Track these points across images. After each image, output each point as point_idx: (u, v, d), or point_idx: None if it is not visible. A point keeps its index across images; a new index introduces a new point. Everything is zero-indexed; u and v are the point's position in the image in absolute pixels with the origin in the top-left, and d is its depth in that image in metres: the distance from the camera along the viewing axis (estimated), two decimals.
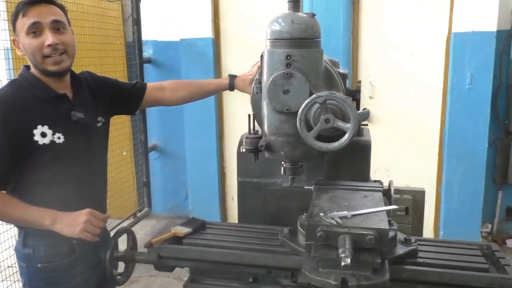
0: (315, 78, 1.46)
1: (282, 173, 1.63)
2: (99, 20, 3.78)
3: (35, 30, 1.53)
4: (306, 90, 1.43)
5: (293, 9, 1.49)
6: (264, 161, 2.03)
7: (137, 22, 4.18)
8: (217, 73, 4.03)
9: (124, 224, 4.14)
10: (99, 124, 1.75)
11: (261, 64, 1.54)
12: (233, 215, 4.34)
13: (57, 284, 1.66)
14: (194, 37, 3.93)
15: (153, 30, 4.42)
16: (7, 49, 3.02)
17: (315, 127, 1.37)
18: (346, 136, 1.34)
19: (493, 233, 3.95)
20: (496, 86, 3.62)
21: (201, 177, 4.23)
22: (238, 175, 2.08)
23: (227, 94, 4.11)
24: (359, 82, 1.77)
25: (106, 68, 3.76)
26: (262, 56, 1.54)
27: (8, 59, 3.15)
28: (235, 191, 4.32)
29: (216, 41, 3.97)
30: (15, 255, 1.73)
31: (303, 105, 1.35)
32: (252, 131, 1.63)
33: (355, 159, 1.85)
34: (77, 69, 1.79)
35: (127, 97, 1.90)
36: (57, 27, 1.56)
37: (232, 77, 2.01)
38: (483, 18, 3.38)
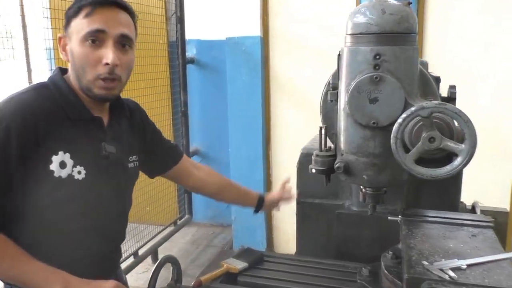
0: (410, 84, 1.15)
1: (361, 200, 1.32)
2: (142, 18, 3.58)
3: (96, 39, 1.19)
4: (400, 99, 1.12)
5: None
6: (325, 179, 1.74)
7: (180, 20, 3.96)
8: (265, 73, 3.74)
9: (166, 232, 3.94)
10: (130, 165, 1.39)
11: (338, 66, 1.25)
12: (279, 227, 4.04)
13: None
14: (241, 35, 3.66)
15: (196, 29, 4.20)
16: (50, 49, 2.86)
17: (415, 147, 1.06)
18: (459, 160, 1.02)
19: None
20: None
21: (245, 185, 3.93)
22: (298, 194, 1.79)
23: (275, 97, 3.82)
24: (453, 87, 1.42)
25: (148, 69, 3.56)
26: (339, 56, 1.24)
27: (51, 59, 2.97)
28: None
29: (264, 40, 3.68)
30: None
31: (401, 119, 1.04)
32: (323, 148, 1.33)
33: (443, 181, 1.52)
34: None
35: (160, 155, 1.55)
36: (123, 43, 1.23)
37: (261, 197, 1.81)
38: None
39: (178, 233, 4.18)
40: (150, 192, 3.77)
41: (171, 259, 1.39)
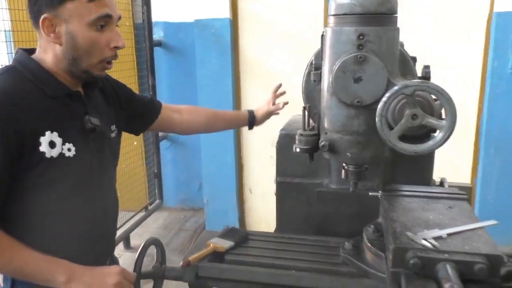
0: (392, 64, 1.19)
1: (343, 177, 1.37)
2: None
3: (105, 24, 1.19)
4: (383, 78, 1.16)
5: None
6: (307, 157, 1.78)
7: (147, 2, 3.87)
8: (235, 56, 3.73)
9: (137, 218, 3.91)
10: (112, 135, 1.38)
11: (322, 46, 1.27)
12: (251, 208, 4.09)
13: None
14: (210, 17, 3.62)
15: (163, 11, 4.11)
16: (8, 31, 2.74)
17: (398, 124, 1.10)
18: (440, 136, 1.07)
19: None
20: None
21: (216, 168, 3.96)
22: (277, 174, 1.82)
23: (245, 79, 3.83)
24: (428, 67, 1.48)
25: None
26: (323, 36, 1.26)
27: (10, 42, 2.85)
28: (253, 183, 4.09)
29: (233, 22, 3.66)
30: None
31: (385, 97, 1.08)
32: (306, 127, 1.36)
33: (417, 159, 1.59)
34: None
35: (140, 111, 1.56)
36: (116, 25, 1.24)
37: (252, 113, 1.86)
38: None
39: (150, 218, 4.16)
40: (120, 178, 3.70)
41: (155, 242, 1.40)
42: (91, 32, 1.17)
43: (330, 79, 1.20)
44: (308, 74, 1.40)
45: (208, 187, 4.08)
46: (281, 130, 1.80)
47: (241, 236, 1.44)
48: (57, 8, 1.14)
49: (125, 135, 3.75)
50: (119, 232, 3.54)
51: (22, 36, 2.60)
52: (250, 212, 4.12)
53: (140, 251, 1.32)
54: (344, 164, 1.35)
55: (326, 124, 1.28)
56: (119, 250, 3.53)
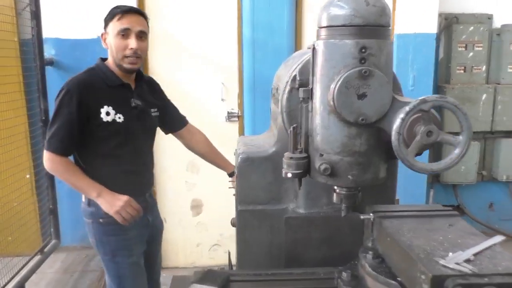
0: (390, 78, 1.13)
1: (335, 201, 1.26)
2: None
3: (124, 34, 1.89)
4: (388, 94, 1.09)
5: None
6: (271, 182, 1.65)
7: (36, 16, 3.40)
8: None
9: (32, 263, 3.34)
10: (153, 114, 2.09)
11: (313, 60, 1.16)
12: (167, 239, 3.78)
13: (115, 235, 1.98)
14: None
15: (54, 26, 3.66)
16: None
17: (413, 142, 1.03)
18: (457, 152, 1.03)
19: None
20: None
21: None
22: (238, 202, 1.65)
23: None
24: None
25: None
26: (314, 49, 1.15)
27: None
28: (168, 212, 3.77)
29: None
30: (82, 213, 2.03)
31: (403, 114, 1.00)
32: (293, 149, 1.23)
33: None
34: None
35: (170, 117, 2.25)
36: (140, 35, 1.92)
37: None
38: (424, 20, 3.38)
39: (46, 262, 3.59)
40: (11, 220, 3.17)
41: None
42: (117, 39, 1.90)
43: (330, 96, 1.10)
44: (290, 91, 1.28)
45: None
46: (240, 153, 1.64)
47: (223, 278, 1.24)
48: (106, 27, 1.94)
49: (14, 169, 3.24)
50: (10, 285, 2.99)
51: None
52: (165, 244, 3.79)
53: None
54: (336, 188, 1.24)
55: (320, 145, 1.17)
56: None
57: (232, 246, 3.87)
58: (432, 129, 1.02)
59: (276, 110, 1.73)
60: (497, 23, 3.89)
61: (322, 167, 1.13)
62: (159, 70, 3.54)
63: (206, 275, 1.26)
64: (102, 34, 1.97)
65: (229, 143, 3.80)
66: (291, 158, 1.20)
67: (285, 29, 3.35)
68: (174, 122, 2.27)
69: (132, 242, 2.04)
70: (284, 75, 1.48)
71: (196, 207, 3.74)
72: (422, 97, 1.00)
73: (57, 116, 1.85)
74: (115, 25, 1.88)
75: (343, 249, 1.62)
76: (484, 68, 3.81)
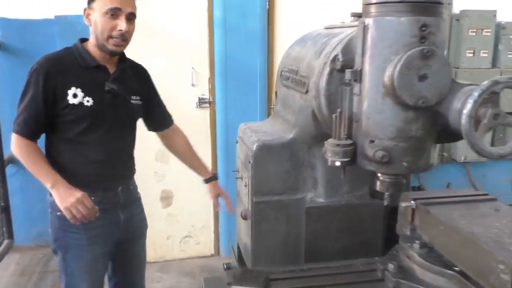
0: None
1: (378, 189, 1.19)
2: None
3: (114, 13, 1.72)
4: (448, 75, 1.04)
5: None
6: (288, 171, 1.57)
7: None
8: None
9: None
10: (134, 101, 1.89)
11: (364, 38, 1.08)
12: None
13: (71, 232, 1.80)
14: (75, 13, 3.01)
15: (0, 5, 3.30)
16: None
17: (481, 125, 0.98)
18: None
19: None
20: None
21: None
22: (253, 193, 1.55)
23: None
24: None
25: None
26: (366, 27, 1.07)
27: None
28: None
29: None
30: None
31: (476, 96, 0.95)
32: (337, 136, 1.15)
33: None
34: None
35: (157, 114, 2.08)
36: (130, 17, 1.76)
37: (215, 176, 2.18)
38: None
39: (0, 265, 3.28)
40: None
41: None
42: (105, 18, 1.72)
43: (388, 78, 1.02)
44: (330, 73, 1.19)
45: None
46: (255, 140, 1.53)
47: (264, 278, 1.14)
48: (91, 3, 1.75)
49: None
50: None
51: None
52: None
53: None
54: (379, 175, 1.17)
55: (371, 130, 1.09)
56: None
57: (204, 237, 3.75)
58: (500, 112, 0.98)
59: (289, 94, 1.63)
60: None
61: (379, 154, 1.06)
62: (127, 53, 3.29)
63: (244, 275, 1.16)
64: (84, 10, 1.78)
65: (200, 130, 3.67)
66: (337, 145, 1.12)
67: (258, 11, 3.23)
68: (160, 120, 2.09)
69: (89, 242, 1.82)
70: (309, 56, 1.39)
71: (166, 198, 3.56)
72: (494, 79, 0.96)
73: (23, 96, 1.72)
74: (104, 3, 1.70)
75: (362, 238, 1.58)
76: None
